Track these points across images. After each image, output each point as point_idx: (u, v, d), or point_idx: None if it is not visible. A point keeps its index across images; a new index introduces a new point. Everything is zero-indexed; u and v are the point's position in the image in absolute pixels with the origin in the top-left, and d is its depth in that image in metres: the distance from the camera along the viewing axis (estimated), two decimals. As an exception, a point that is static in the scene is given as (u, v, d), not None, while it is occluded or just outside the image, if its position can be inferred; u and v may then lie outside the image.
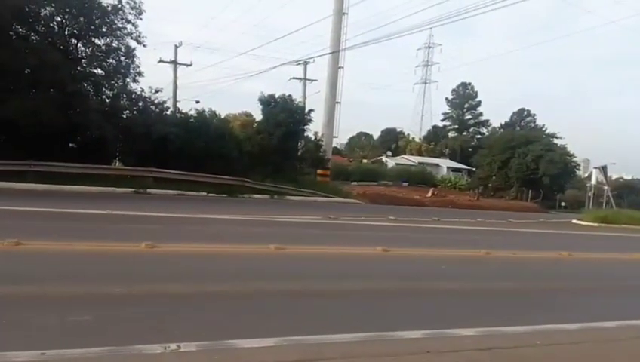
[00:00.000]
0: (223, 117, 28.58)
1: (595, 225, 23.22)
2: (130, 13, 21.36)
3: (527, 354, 4.56)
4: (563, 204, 40.15)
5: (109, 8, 20.86)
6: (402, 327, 4.92)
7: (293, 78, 38.22)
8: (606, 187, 33.55)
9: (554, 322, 5.64)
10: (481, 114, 75.22)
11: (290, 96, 27.10)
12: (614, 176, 44.20)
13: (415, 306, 6.25)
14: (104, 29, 21.21)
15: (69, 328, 4.31)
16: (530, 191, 40.45)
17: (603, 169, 33.15)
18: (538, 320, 5.57)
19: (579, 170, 39.31)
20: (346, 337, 4.50)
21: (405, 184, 42.98)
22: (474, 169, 51.17)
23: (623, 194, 42.49)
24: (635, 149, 78.83)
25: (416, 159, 59.26)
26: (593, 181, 33.80)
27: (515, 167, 40.85)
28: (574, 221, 24.97)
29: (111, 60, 21.61)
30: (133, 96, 22.24)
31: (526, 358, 4.48)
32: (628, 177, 60.91)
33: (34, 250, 7.08)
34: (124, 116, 22.14)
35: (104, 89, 21.89)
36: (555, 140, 44.13)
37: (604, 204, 33.05)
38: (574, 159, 40.12)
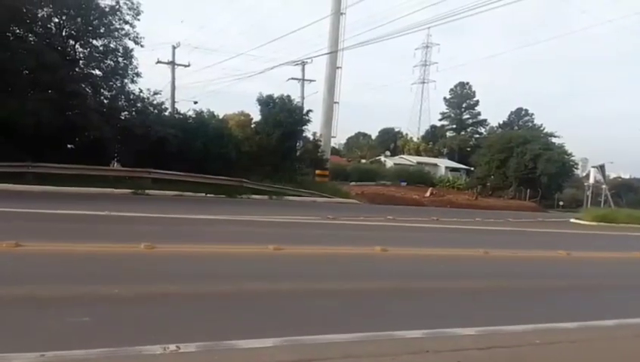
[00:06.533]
0: (221, 117, 28.59)
1: (594, 224, 23.23)
2: (127, 14, 21.40)
3: (526, 353, 4.57)
4: (561, 203, 40.09)
5: (107, 9, 20.85)
6: (401, 327, 4.92)
7: (292, 79, 38.16)
8: (604, 186, 33.56)
9: (553, 321, 5.65)
10: (479, 113, 75.46)
11: (288, 96, 27.09)
12: (612, 175, 44.21)
13: (414, 306, 6.25)
14: (102, 30, 21.21)
15: (68, 329, 4.31)
16: (528, 190, 40.45)
17: (601, 168, 33.16)
18: (537, 320, 5.58)
19: (577, 169, 39.21)
20: (345, 337, 4.50)
21: (404, 184, 42.95)
22: (472, 168, 51.15)
23: (621, 193, 42.47)
24: (633, 148, 78.93)
25: (414, 159, 59.25)
26: (591, 180, 33.74)
27: (514, 166, 40.79)
28: (572, 220, 24.99)
29: (109, 61, 21.61)
30: (131, 97, 22.24)
31: (525, 357, 4.48)
32: (626, 176, 60.95)
33: (33, 251, 7.07)
34: (123, 117, 22.14)
35: (102, 90, 21.90)
36: (553, 139, 44.05)
37: (602, 203, 33.06)
38: (572, 158, 39.96)
